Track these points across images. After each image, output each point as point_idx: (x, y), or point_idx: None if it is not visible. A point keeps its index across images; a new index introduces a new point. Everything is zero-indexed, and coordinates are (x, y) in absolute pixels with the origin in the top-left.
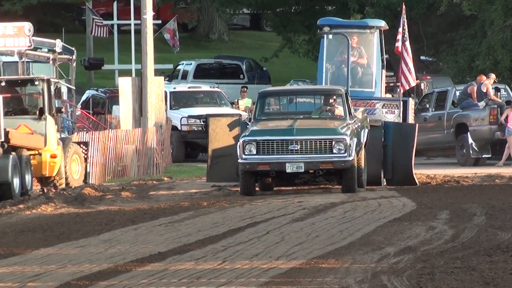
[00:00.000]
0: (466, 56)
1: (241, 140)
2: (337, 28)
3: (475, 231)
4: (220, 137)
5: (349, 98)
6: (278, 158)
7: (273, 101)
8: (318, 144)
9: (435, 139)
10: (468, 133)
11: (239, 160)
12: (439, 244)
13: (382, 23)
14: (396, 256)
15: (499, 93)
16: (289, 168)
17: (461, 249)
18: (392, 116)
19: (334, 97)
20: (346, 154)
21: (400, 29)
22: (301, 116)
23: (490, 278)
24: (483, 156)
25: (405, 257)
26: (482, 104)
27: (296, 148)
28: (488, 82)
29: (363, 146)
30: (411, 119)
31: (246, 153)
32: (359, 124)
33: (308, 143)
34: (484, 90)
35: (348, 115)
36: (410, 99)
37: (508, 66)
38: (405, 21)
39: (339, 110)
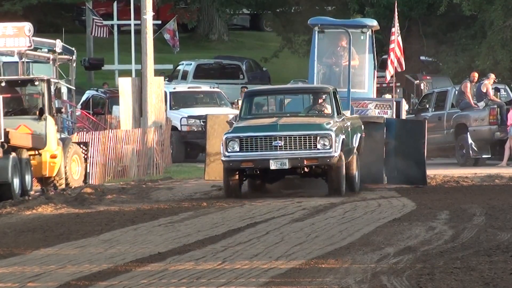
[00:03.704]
0: (466, 56)
1: (224, 137)
2: (328, 27)
3: (475, 232)
4: (218, 134)
5: (338, 97)
6: (262, 154)
7: (260, 100)
8: (302, 140)
9: (435, 139)
10: (468, 133)
11: (222, 158)
12: (438, 244)
13: (374, 23)
14: (395, 256)
15: (498, 93)
16: (273, 165)
17: (461, 250)
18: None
19: (322, 95)
20: (331, 150)
21: (393, 29)
22: (288, 115)
23: (489, 279)
24: (483, 156)
25: (405, 257)
26: (482, 104)
27: (280, 144)
28: (487, 82)
29: (354, 150)
30: None
31: (229, 150)
32: (349, 124)
33: (292, 139)
34: (484, 90)
35: (336, 113)
36: (403, 100)
37: (508, 66)
38: (397, 18)
39: (327, 109)
